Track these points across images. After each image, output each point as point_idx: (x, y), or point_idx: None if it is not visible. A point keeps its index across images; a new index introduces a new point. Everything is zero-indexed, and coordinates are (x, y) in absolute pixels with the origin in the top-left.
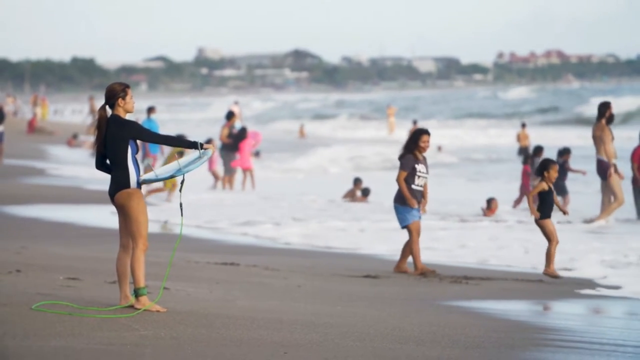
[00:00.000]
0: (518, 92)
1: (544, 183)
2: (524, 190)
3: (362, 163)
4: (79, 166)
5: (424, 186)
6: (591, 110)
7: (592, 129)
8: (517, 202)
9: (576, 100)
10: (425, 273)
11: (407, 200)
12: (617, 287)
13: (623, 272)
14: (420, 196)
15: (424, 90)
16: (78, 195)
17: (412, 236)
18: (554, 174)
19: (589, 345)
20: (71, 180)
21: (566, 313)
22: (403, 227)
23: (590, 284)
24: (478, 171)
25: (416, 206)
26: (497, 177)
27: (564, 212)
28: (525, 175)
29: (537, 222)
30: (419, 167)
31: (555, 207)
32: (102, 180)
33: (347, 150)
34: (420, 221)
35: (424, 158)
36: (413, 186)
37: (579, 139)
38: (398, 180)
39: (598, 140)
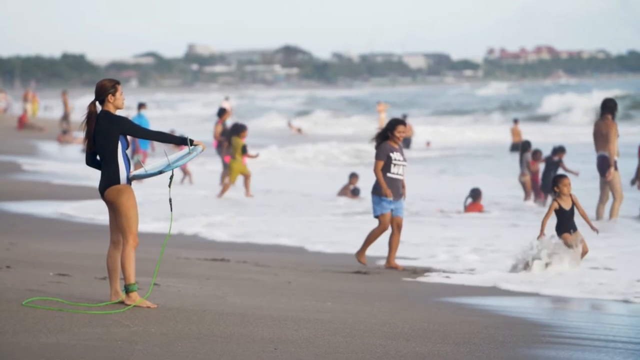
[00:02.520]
0: (495, 88)
1: (555, 202)
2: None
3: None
4: (69, 163)
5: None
6: (544, 109)
7: (597, 125)
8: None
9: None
10: (360, 262)
11: (383, 190)
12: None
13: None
14: (399, 185)
15: (414, 86)
16: (67, 191)
17: (379, 226)
18: (563, 188)
19: (580, 342)
20: (60, 176)
21: (556, 309)
22: (375, 217)
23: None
24: (468, 166)
25: (391, 197)
26: (486, 172)
27: (593, 229)
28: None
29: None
30: (395, 155)
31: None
32: (91, 177)
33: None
34: (400, 216)
35: (400, 147)
36: (389, 174)
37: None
38: (375, 170)
39: (604, 136)
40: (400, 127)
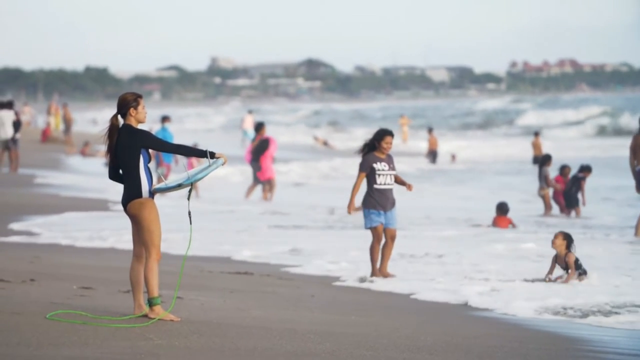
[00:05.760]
0: (502, 101)
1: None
2: (555, 198)
3: None
4: (94, 176)
5: (397, 178)
6: (523, 122)
7: (636, 140)
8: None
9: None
10: (386, 276)
11: (349, 202)
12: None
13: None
14: (389, 195)
15: (436, 100)
16: (94, 204)
17: (373, 240)
18: (552, 243)
19: (603, 355)
20: (85, 190)
21: (579, 322)
22: (367, 229)
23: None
24: (498, 181)
25: (351, 213)
26: (511, 186)
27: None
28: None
29: None
30: (379, 166)
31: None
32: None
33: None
34: (392, 227)
35: (389, 156)
36: (376, 186)
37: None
38: (355, 181)
39: None
40: (388, 138)
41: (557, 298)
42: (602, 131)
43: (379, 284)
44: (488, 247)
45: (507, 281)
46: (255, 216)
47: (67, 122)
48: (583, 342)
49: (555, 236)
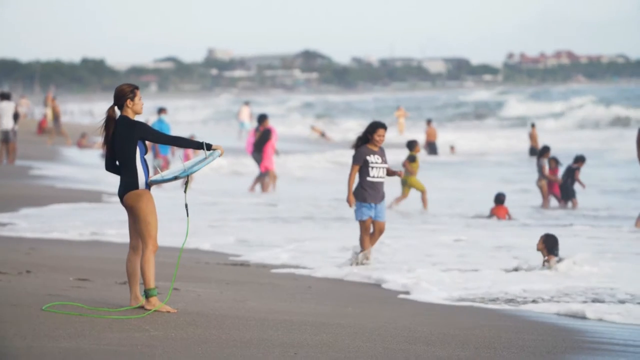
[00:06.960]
0: (481, 94)
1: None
2: (551, 190)
3: None
4: (90, 168)
5: (388, 171)
6: (506, 113)
7: None
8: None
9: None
10: (368, 256)
11: (348, 195)
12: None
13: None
14: (381, 188)
15: (433, 91)
16: (88, 196)
17: (361, 232)
18: (538, 244)
19: (598, 345)
20: (80, 182)
21: (574, 313)
22: (357, 221)
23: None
24: (497, 172)
25: (352, 206)
26: (506, 178)
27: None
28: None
29: None
30: (372, 158)
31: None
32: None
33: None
34: (381, 220)
35: (381, 149)
36: (369, 178)
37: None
38: (350, 174)
39: None
40: (381, 131)
41: (471, 289)
42: (581, 123)
43: (354, 276)
44: (448, 237)
45: (443, 271)
46: (240, 208)
47: (56, 115)
48: (579, 333)
49: (539, 239)
